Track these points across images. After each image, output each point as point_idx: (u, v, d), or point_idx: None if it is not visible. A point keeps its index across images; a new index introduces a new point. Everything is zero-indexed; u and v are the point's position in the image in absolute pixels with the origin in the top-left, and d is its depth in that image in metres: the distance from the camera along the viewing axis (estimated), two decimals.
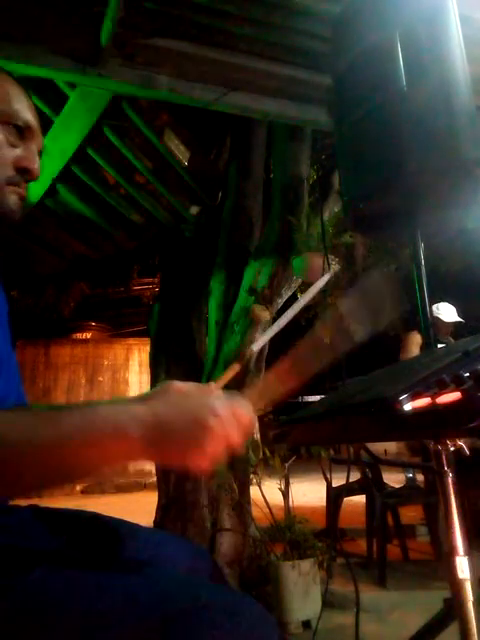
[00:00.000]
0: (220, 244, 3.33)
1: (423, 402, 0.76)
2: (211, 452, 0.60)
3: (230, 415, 0.62)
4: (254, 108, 2.26)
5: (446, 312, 3.92)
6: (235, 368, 0.97)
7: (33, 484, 0.59)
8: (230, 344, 3.00)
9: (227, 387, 0.81)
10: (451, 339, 3.94)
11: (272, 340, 3.32)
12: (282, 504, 2.70)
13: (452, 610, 1.07)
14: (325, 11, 1.84)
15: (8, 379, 0.87)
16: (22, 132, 0.82)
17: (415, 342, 3.80)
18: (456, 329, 3.97)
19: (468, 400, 0.71)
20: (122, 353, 9.38)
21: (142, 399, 0.63)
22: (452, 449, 1.09)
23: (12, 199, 0.81)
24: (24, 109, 0.82)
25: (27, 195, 0.85)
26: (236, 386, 0.81)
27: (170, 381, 0.65)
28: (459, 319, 3.94)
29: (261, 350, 3.01)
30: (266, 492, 2.63)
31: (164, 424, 0.60)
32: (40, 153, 0.87)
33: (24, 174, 0.82)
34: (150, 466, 7.66)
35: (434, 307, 3.90)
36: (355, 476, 3.49)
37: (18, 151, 0.81)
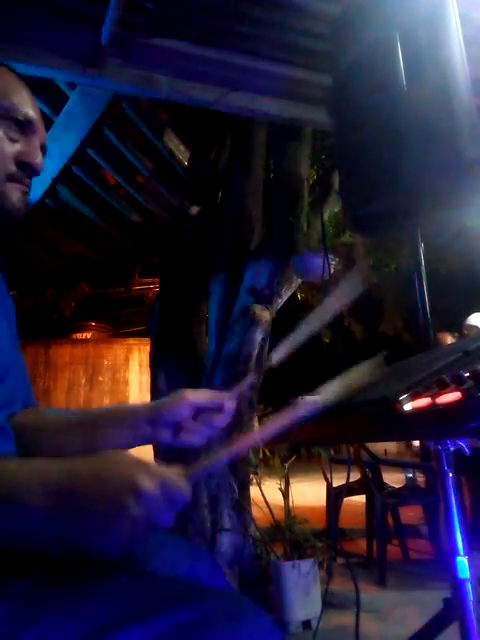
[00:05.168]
0: (220, 244, 3.33)
1: (423, 402, 0.76)
2: (126, 534, 0.52)
3: (157, 493, 0.53)
4: (254, 108, 2.26)
5: None
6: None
7: None
8: (230, 344, 3.00)
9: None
10: None
11: (271, 341, 3.31)
12: (282, 504, 2.70)
13: (452, 610, 1.07)
14: (325, 11, 1.84)
15: (15, 383, 0.87)
16: (22, 126, 0.80)
17: (446, 342, 3.65)
18: None
19: (468, 400, 0.71)
20: (122, 353, 9.36)
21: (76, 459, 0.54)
22: (452, 449, 1.09)
23: (15, 195, 0.80)
24: (24, 103, 0.80)
25: (30, 191, 0.83)
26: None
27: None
28: None
29: (261, 350, 3.01)
30: (266, 492, 2.63)
31: (74, 490, 0.51)
32: (44, 147, 0.85)
33: (26, 169, 0.80)
34: None
35: (474, 316, 3.69)
36: (355, 476, 3.49)
37: (19, 146, 0.80)
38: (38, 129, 0.82)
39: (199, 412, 0.82)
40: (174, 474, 0.57)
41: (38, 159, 0.81)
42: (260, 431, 0.73)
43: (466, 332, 3.67)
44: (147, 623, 0.56)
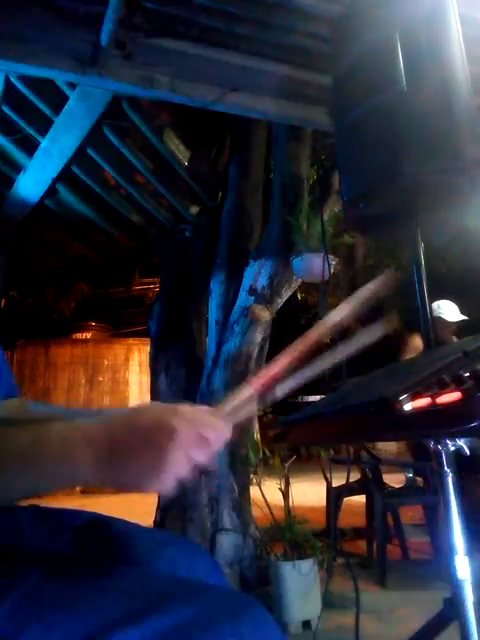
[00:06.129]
0: (220, 244, 3.33)
1: (423, 402, 0.76)
2: (169, 473, 0.57)
3: (192, 432, 0.58)
4: (254, 108, 2.26)
5: (448, 311, 3.56)
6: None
7: None
8: (230, 344, 3.00)
9: None
10: (455, 340, 3.50)
11: (271, 341, 3.31)
12: (282, 504, 2.69)
13: (452, 610, 1.07)
14: (325, 11, 1.84)
15: None
16: None
17: (414, 348, 3.42)
18: (459, 329, 3.58)
19: (468, 400, 0.71)
20: (122, 353, 9.36)
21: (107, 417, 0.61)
22: (452, 449, 1.09)
23: None
24: None
25: None
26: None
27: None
28: (463, 317, 3.57)
29: (261, 350, 3.01)
30: (266, 492, 2.63)
31: (116, 444, 0.57)
32: None
33: None
34: None
35: (435, 305, 3.51)
36: (355, 476, 3.49)
37: None
38: None
39: None
40: (207, 413, 0.62)
41: None
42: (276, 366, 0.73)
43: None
44: (148, 622, 0.56)
